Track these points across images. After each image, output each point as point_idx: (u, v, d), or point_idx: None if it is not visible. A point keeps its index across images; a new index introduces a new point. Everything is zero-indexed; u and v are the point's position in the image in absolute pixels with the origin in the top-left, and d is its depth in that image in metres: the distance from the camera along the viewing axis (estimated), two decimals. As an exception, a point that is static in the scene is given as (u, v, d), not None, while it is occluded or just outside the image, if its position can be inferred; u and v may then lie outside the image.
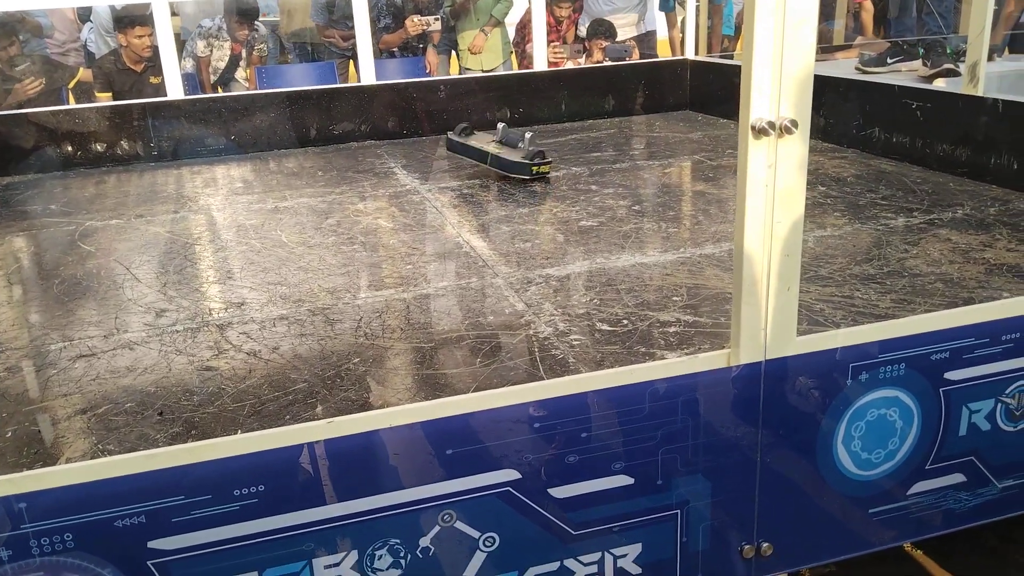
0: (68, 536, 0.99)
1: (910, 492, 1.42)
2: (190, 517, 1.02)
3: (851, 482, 1.36)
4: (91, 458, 1.27)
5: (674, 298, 1.79)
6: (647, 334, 1.61)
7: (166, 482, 1.00)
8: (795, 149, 1.06)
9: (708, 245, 2.13)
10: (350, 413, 1.37)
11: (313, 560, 1.10)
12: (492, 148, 2.95)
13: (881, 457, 1.36)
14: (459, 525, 1.14)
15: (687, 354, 1.47)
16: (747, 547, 1.33)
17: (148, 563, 1.03)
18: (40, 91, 4.13)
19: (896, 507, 1.41)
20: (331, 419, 1.05)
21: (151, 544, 1.03)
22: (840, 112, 3.16)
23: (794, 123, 1.04)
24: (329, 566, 1.11)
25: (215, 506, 1.02)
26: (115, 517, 0.99)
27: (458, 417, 1.09)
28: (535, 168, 2.84)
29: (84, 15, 4.89)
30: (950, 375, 1.34)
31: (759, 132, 1.04)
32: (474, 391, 1.42)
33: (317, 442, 1.04)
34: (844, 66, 3.84)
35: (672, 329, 1.63)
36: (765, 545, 1.34)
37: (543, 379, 1.43)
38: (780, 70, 1.02)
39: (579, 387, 1.13)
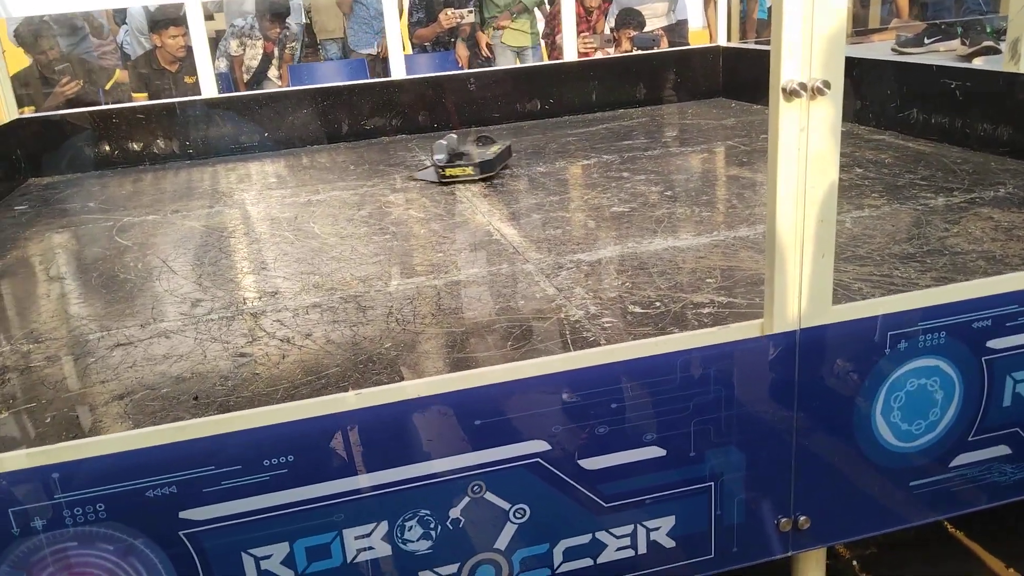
0: (100, 507, 1.01)
1: (952, 465, 1.38)
2: (221, 487, 1.03)
3: (890, 454, 1.32)
4: (128, 440, 1.29)
5: (708, 280, 1.77)
6: (680, 315, 1.59)
7: (196, 453, 1.01)
8: (828, 111, 1.03)
9: (743, 228, 2.10)
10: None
11: (344, 531, 1.10)
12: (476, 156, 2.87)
13: (922, 428, 1.32)
14: (489, 496, 1.13)
15: (721, 330, 1.45)
16: (784, 520, 1.31)
17: (180, 533, 1.04)
18: (78, 92, 4.21)
19: (938, 480, 1.37)
20: (359, 390, 1.05)
21: (182, 515, 1.03)
22: (877, 94, 3.09)
23: (827, 84, 1.01)
24: (360, 536, 1.11)
25: (245, 476, 1.03)
26: (146, 487, 1.00)
27: (486, 388, 1.09)
28: (447, 171, 2.75)
29: (120, 17, 4.97)
30: (993, 343, 1.30)
31: (790, 94, 1.01)
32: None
33: (346, 412, 1.04)
34: (880, 48, 3.76)
35: (706, 310, 1.61)
36: (803, 519, 1.31)
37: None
38: (811, 30, 0.99)
39: (608, 358, 1.12)
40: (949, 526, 1.86)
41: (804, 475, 1.28)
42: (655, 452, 1.17)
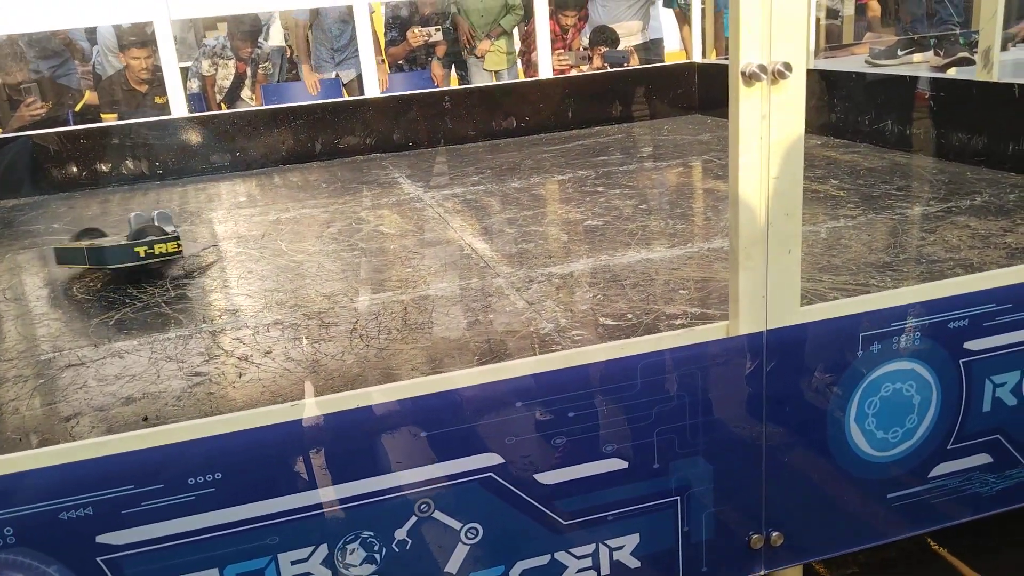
0: (8, 531, 0.93)
1: (931, 475, 1.32)
2: (141, 508, 0.96)
3: (866, 464, 1.27)
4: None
5: (681, 291, 1.72)
6: (652, 327, 1.54)
7: (114, 471, 0.94)
8: (791, 96, 0.99)
9: (717, 239, 2.06)
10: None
11: (279, 555, 1.03)
12: (86, 241, 2.22)
13: (898, 436, 1.27)
14: (438, 515, 1.06)
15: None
16: (755, 536, 1.24)
17: (98, 559, 0.97)
18: (41, 113, 4.14)
19: (917, 491, 1.31)
20: (295, 402, 0.99)
21: (100, 539, 0.96)
22: (851, 106, 3.09)
23: (787, 66, 0.97)
24: (296, 561, 1.04)
25: (168, 496, 0.96)
26: (59, 509, 0.93)
27: (434, 396, 1.02)
28: (142, 249, 2.05)
29: (92, 37, 4.93)
30: (970, 345, 1.25)
31: (749, 78, 0.97)
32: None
33: (280, 424, 0.97)
34: (853, 62, 3.77)
35: (679, 321, 1.56)
36: (775, 535, 1.25)
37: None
38: (770, 9, 0.95)
39: (564, 362, 1.06)
40: (932, 543, 1.81)
41: (776, 488, 1.22)
42: (617, 464, 1.11)
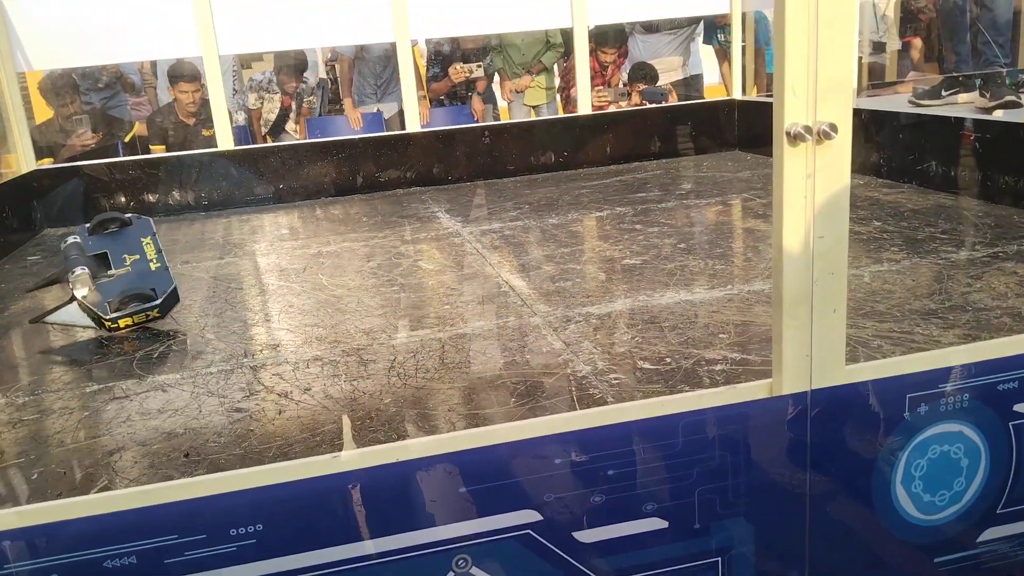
0: None
1: (980, 539, 1.28)
2: (184, 558, 0.97)
3: (913, 527, 1.23)
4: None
5: (721, 335, 1.71)
6: (692, 372, 1.53)
7: (159, 520, 0.95)
8: (836, 156, 0.98)
9: (757, 281, 2.04)
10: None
11: None
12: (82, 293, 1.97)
13: (946, 500, 1.24)
14: (475, 571, 1.05)
15: (731, 390, 1.39)
16: None
17: None
18: (92, 144, 4.26)
19: (965, 556, 1.27)
20: (336, 454, 1.00)
21: None
22: (895, 146, 3.06)
23: (833, 127, 0.96)
24: None
25: (211, 546, 0.96)
26: (104, 557, 0.94)
27: (472, 451, 1.02)
28: (109, 323, 1.93)
29: (155, 69, 5.09)
30: (1020, 407, 1.22)
31: (794, 138, 0.96)
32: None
33: (320, 478, 0.98)
34: (897, 101, 3.74)
35: (719, 367, 1.54)
36: (818, 598, 1.22)
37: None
38: (816, 69, 0.95)
39: (605, 419, 1.05)
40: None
41: (819, 550, 1.19)
42: (656, 524, 1.09)
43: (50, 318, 2.00)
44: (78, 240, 2.17)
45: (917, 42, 5.03)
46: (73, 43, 3.70)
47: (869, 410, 1.13)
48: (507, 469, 1.02)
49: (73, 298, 1.94)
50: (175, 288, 2.04)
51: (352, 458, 0.99)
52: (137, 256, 2.12)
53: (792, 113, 0.96)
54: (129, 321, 1.96)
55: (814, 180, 0.99)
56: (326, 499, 0.98)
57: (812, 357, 1.06)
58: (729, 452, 1.09)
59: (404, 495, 1.00)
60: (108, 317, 1.93)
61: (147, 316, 1.99)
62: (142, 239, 2.20)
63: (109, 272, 2.07)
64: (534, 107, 5.38)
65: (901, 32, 5.03)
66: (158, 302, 1.99)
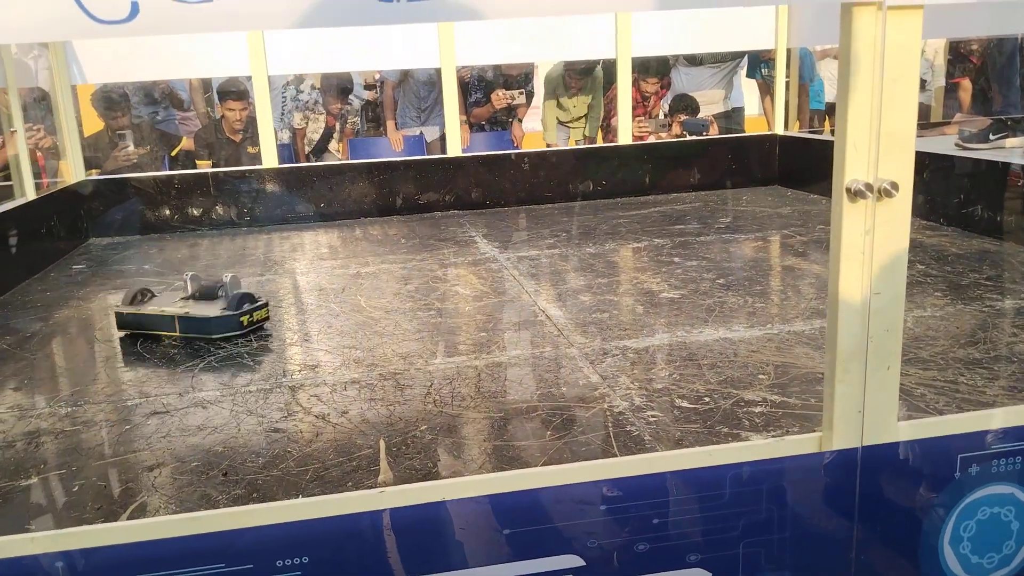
0: None
1: (1028, 603, 1.25)
2: None
3: (960, 589, 1.21)
4: (151, 516, 1.25)
5: (760, 376, 1.69)
6: (731, 413, 1.52)
7: (207, 548, 0.96)
8: (896, 213, 0.97)
9: (797, 322, 2.02)
10: (414, 482, 1.33)
11: None
12: (178, 308, 2.16)
13: (995, 562, 1.21)
14: (518, 615, 1.05)
15: (774, 436, 1.37)
16: None
17: None
18: (134, 160, 4.36)
19: (1013, 619, 1.24)
20: (383, 488, 1.00)
21: None
22: (939, 188, 3.02)
23: (895, 185, 0.96)
24: None
25: None
26: None
27: (518, 493, 1.02)
28: (245, 319, 2.13)
29: (208, 87, 5.20)
30: (1075, 473, 1.19)
31: (855, 195, 0.96)
32: (544, 466, 1.35)
33: (366, 513, 0.98)
34: (942, 143, 3.69)
35: (758, 409, 1.53)
36: (862, 658, 1.19)
37: (617, 456, 1.36)
38: (879, 127, 0.94)
39: (652, 467, 1.04)
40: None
41: (864, 608, 1.17)
42: (700, 574, 1.08)
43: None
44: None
45: (966, 83, 4.98)
46: (127, 58, 3.80)
47: (920, 469, 1.11)
48: (551, 512, 1.02)
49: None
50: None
51: (397, 495, 0.99)
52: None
53: (853, 169, 0.96)
54: (257, 316, 2.18)
55: (873, 236, 0.98)
56: (369, 535, 0.98)
57: (864, 413, 1.05)
58: (776, 506, 1.08)
59: (447, 534, 1.00)
60: (238, 313, 2.14)
61: (262, 315, 2.21)
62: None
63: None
64: (576, 119, 5.34)
65: (950, 73, 4.98)
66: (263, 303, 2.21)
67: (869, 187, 0.95)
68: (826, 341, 1.06)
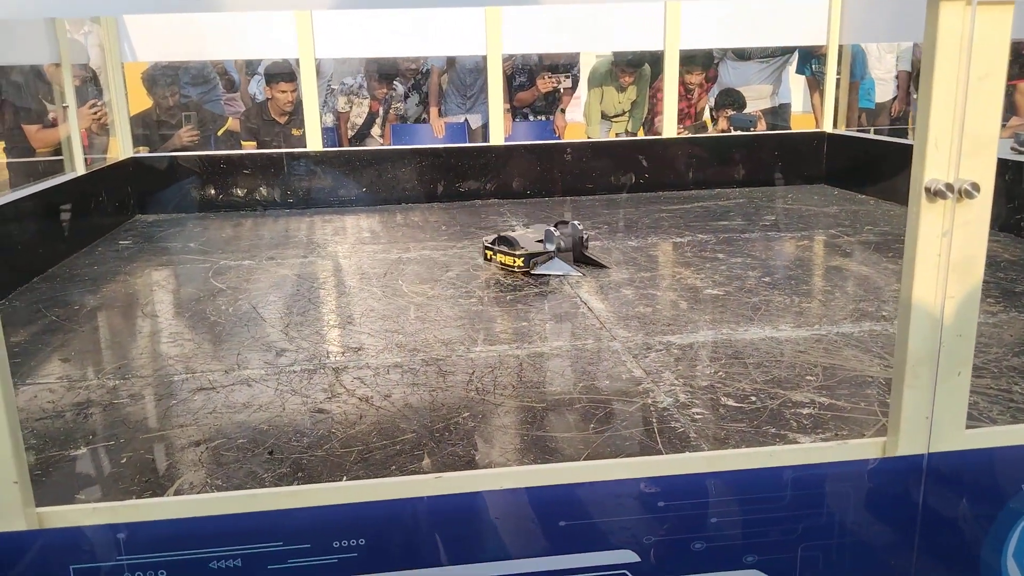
0: (162, 573, 0.97)
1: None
2: (287, 565, 0.98)
3: (1022, 603, 1.17)
4: (198, 491, 1.27)
5: (808, 377, 1.67)
6: (777, 414, 1.50)
7: (265, 525, 0.96)
8: (976, 215, 0.95)
9: (846, 323, 1.99)
10: (457, 468, 1.33)
11: None
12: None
13: None
14: (569, 606, 1.04)
15: (824, 440, 1.35)
16: None
17: None
18: (197, 141, 4.41)
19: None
20: (440, 474, 1.00)
21: None
22: (993, 192, 2.94)
23: (976, 186, 0.93)
24: None
25: (314, 556, 0.97)
26: (211, 558, 0.96)
27: (574, 486, 1.01)
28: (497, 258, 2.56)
29: (251, 69, 5.23)
30: None
31: (934, 195, 0.93)
32: (587, 458, 1.34)
33: (424, 498, 0.98)
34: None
35: (805, 411, 1.51)
36: (917, 668, 1.16)
37: (661, 452, 1.34)
38: (961, 126, 0.91)
39: (711, 465, 1.03)
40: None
41: (923, 618, 1.14)
42: (756, 576, 1.06)
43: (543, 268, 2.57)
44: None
45: (1023, 86, 4.84)
46: (177, 37, 3.84)
47: (986, 478, 1.08)
48: (608, 507, 1.01)
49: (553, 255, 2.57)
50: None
51: (454, 481, 0.99)
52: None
53: (933, 168, 0.93)
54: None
55: (951, 238, 0.95)
56: (428, 519, 0.98)
57: (932, 420, 1.02)
58: (837, 510, 1.06)
59: (503, 523, 1.00)
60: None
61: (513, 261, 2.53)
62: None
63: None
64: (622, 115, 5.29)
65: (1009, 74, 4.84)
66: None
67: (949, 187, 0.92)
68: (896, 343, 1.03)
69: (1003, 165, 2.93)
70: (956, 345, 1.01)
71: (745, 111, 5.03)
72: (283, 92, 4.39)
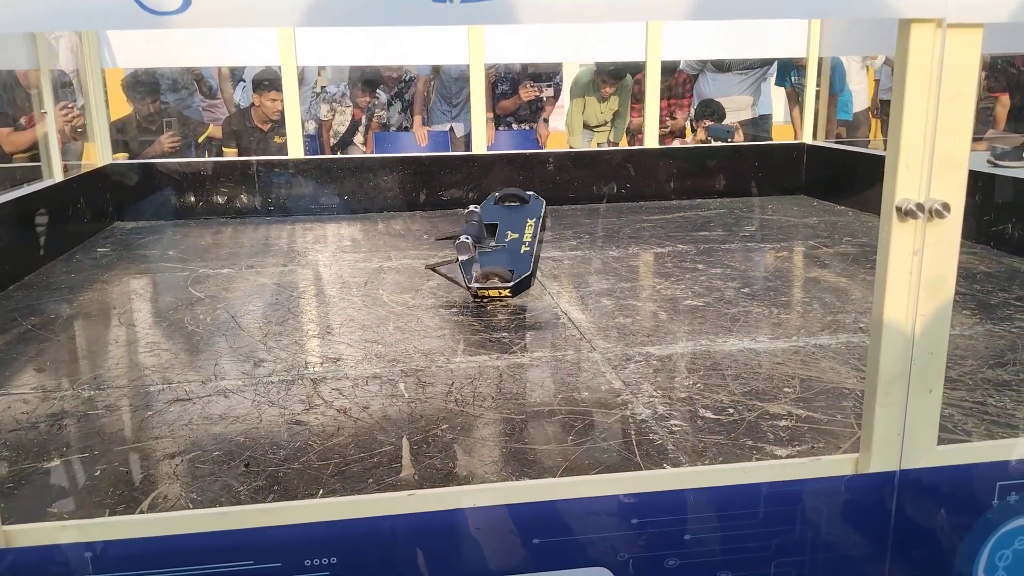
0: None
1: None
2: None
3: (993, 618, 1.18)
4: (173, 506, 1.26)
5: (785, 389, 1.68)
6: (755, 426, 1.51)
7: (236, 544, 0.95)
8: (946, 234, 0.96)
9: (823, 335, 2.00)
10: (435, 481, 1.32)
11: None
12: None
13: None
14: (546, 623, 1.03)
15: (800, 452, 1.36)
16: None
17: None
18: (178, 147, 4.38)
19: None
20: (412, 491, 0.99)
21: None
22: (969, 205, 2.98)
23: (946, 206, 0.94)
24: None
25: (284, 575, 0.96)
26: None
27: (549, 503, 1.01)
28: (469, 291, 2.26)
29: (238, 75, 5.20)
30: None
31: (905, 214, 0.94)
32: (565, 472, 1.34)
33: (396, 516, 0.97)
34: (973, 159, 3.65)
35: (783, 423, 1.51)
36: None
37: (639, 465, 1.35)
38: (932, 147, 0.92)
39: (685, 482, 1.03)
40: None
41: (894, 633, 1.15)
42: (730, 592, 1.06)
43: (440, 269, 2.42)
44: (477, 209, 2.60)
45: (1004, 99, 4.88)
46: (157, 44, 3.82)
47: (957, 495, 1.09)
48: (582, 523, 1.01)
49: (457, 259, 2.32)
50: (530, 276, 2.26)
51: (427, 499, 0.98)
52: (516, 235, 2.45)
53: (904, 188, 0.94)
54: (485, 294, 2.25)
55: (921, 257, 0.96)
56: (398, 538, 0.97)
57: (904, 437, 1.03)
58: (810, 526, 1.06)
59: (477, 541, 0.99)
60: (469, 287, 2.25)
61: (499, 293, 2.25)
62: (528, 219, 2.53)
63: (492, 243, 2.45)
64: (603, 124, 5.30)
65: (989, 87, 4.87)
66: (510, 285, 2.22)
67: (920, 207, 0.93)
68: (868, 362, 1.04)
69: (978, 178, 2.97)
70: (927, 363, 1.02)
71: (724, 122, 5.06)
72: (272, 100, 4.37)
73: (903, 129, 0.93)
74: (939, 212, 0.94)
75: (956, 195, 0.96)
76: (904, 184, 0.95)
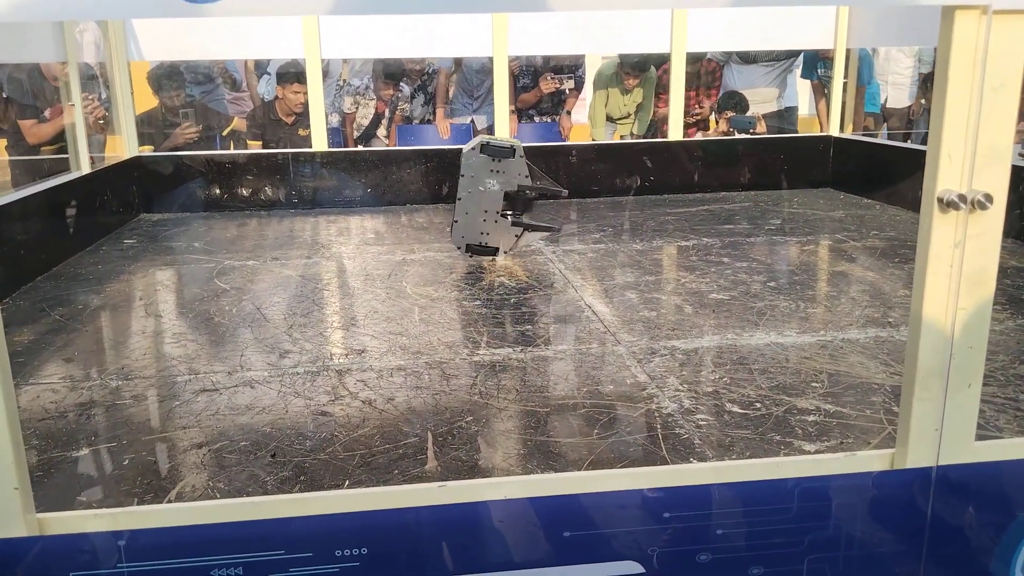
0: None
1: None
2: (288, 574, 0.97)
3: (1030, 618, 1.16)
4: (200, 496, 1.26)
5: (813, 384, 1.66)
6: (783, 421, 1.49)
7: (267, 533, 0.96)
8: (989, 226, 0.94)
9: (852, 329, 1.98)
10: (460, 473, 1.32)
11: None
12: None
13: None
14: (574, 617, 1.03)
15: (829, 448, 1.34)
16: None
17: None
18: (195, 138, 4.40)
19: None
20: (443, 483, 0.99)
21: None
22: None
23: (989, 198, 0.92)
24: None
25: (315, 565, 0.96)
26: (212, 566, 0.95)
27: (580, 496, 1.00)
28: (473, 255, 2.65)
29: (261, 68, 5.22)
30: None
31: (947, 205, 0.92)
32: (590, 466, 1.34)
33: (426, 507, 0.97)
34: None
35: (811, 418, 1.50)
36: None
37: (665, 459, 1.34)
38: (975, 137, 0.90)
39: (717, 476, 1.02)
40: None
41: (929, 633, 1.13)
42: (762, 588, 1.05)
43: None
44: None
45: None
46: (183, 37, 3.84)
47: (995, 490, 1.07)
48: (613, 517, 1.00)
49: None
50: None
51: (458, 491, 0.98)
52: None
53: (946, 179, 0.92)
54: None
55: (963, 249, 0.94)
56: (429, 529, 0.97)
57: (942, 432, 1.01)
58: (843, 522, 1.05)
59: (507, 533, 0.99)
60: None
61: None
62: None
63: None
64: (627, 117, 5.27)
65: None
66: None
67: (963, 198, 0.92)
68: (906, 355, 1.02)
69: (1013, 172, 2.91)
70: (967, 357, 1.00)
71: (748, 113, 5.01)
72: (296, 93, 4.38)
73: (945, 119, 0.91)
74: (981, 203, 0.92)
75: (999, 186, 0.94)
76: (946, 175, 0.93)
